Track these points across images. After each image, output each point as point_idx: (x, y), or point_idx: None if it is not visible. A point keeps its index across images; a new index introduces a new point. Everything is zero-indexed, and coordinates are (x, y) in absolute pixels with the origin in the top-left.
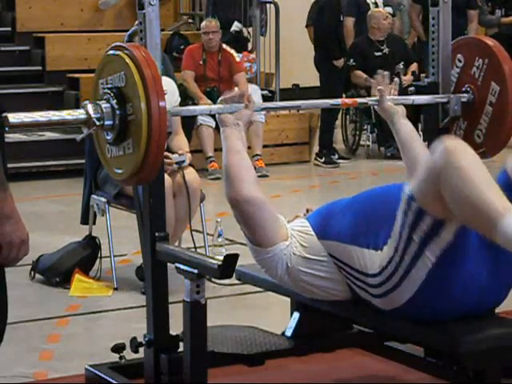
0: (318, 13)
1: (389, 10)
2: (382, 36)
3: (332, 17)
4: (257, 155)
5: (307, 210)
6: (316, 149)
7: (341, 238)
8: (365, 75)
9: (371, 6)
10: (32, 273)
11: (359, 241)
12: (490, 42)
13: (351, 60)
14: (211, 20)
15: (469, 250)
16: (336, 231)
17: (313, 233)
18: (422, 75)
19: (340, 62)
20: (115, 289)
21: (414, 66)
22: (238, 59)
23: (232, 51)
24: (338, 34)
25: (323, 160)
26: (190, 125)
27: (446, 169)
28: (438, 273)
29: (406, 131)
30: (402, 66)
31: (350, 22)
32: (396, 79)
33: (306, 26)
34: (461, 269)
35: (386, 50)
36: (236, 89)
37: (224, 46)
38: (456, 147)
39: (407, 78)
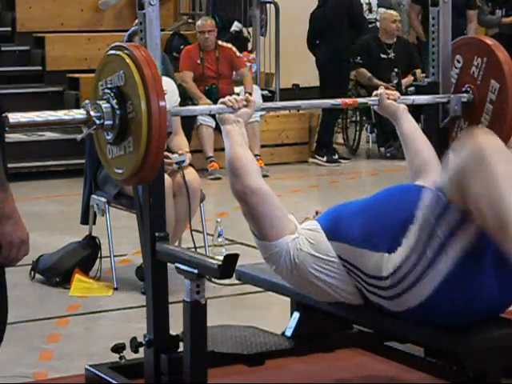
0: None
1: (382, 11)
2: (389, 39)
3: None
4: (256, 155)
5: (316, 212)
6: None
7: (351, 241)
8: (369, 74)
9: (364, 6)
10: (32, 273)
11: (370, 244)
12: (488, 40)
13: (358, 58)
14: (207, 19)
15: (486, 257)
16: (346, 233)
17: (322, 231)
18: (422, 75)
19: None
20: (115, 289)
21: (418, 72)
22: (238, 54)
23: (230, 45)
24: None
25: (325, 159)
26: (189, 125)
27: (475, 170)
28: (455, 276)
29: (409, 126)
30: (394, 73)
31: None
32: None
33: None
34: (477, 275)
35: (391, 55)
36: (235, 88)
37: (220, 42)
38: (487, 146)
39: (406, 81)
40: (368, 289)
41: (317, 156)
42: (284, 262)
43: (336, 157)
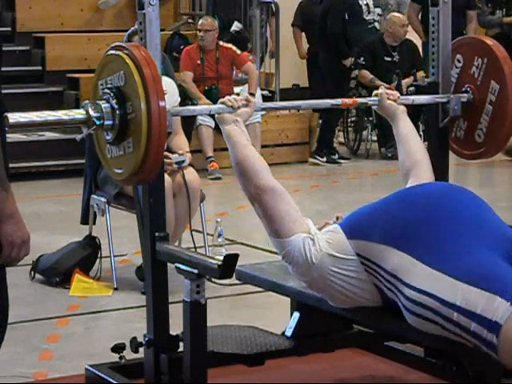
0: (323, 14)
1: (378, 11)
2: (395, 41)
3: (336, 18)
4: None
5: (337, 218)
6: (314, 148)
7: (371, 237)
8: (371, 75)
9: (363, 7)
10: (32, 273)
11: (394, 242)
12: (489, 41)
13: (361, 59)
14: (207, 18)
15: None
16: (366, 230)
17: (341, 232)
18: (422, 75)
19: (349, 61)
20: (115, 289)
21: (419, 74)
22: (238, 52)
23: (230, 45)
24: (346, 34)
25: (325, 159)
26: (189, 125)
27: None
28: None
29: (405, 126)
30: (395, 75)
31: None
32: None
33: (292, 25)
34: None
35: (396, 58)
36: (235, 89)
37: (221, 42)
38: None
39: (407, 81)
40: (387, 286)
41: (317, 156)
42: (298, 260)
43: (336, 157)
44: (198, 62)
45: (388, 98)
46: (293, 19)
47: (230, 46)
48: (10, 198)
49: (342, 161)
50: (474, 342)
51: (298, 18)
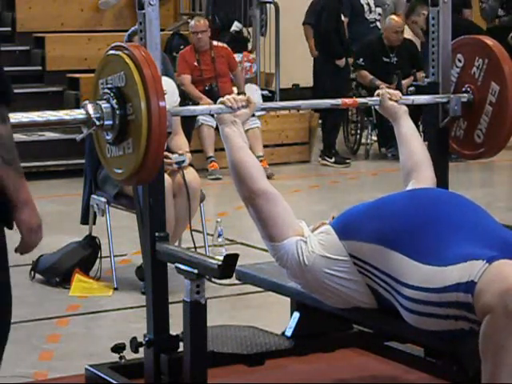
0: (319, 13)
1: (379, 10)
2: (392, 43)
3: (330, 17)
4: (259, 157)
5: (333, 217)
6: (316, 148)
7: (363, 238)
8: (371, 76)
9: (365, 6)
10: (32, 273)
11: (387, 242)
12: (490, 41)
13: (361, 59)
14: (199, 19)
15: None
16: (358, 230)
17: (333, 233)
18: (422, 75)
19: (342, 62)
20: (115, 289)
21: (419, 74)
22: (232, 54)
23: (224, 44)
24: (340, 33)
25: (333, 160)
26: (189, 125)
27: (502, 320)
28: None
29: (407, 127)
30: (395, 75)
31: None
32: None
33: (303, 24)
34: None
35: (393, 60)
36: (235, 89)
37: (215, 42)
38: None
39: (407, 82)
40: (381, 285)
41: (326, 157)
42: (291, 264)
43: (344, 158)
44: (195, 63)
45: (390, 99)
46: (304, 18)
47: (223, 44)
48: (24, 184)
49: (348, 161)
50: (468, 316)
51: (309, 16)
